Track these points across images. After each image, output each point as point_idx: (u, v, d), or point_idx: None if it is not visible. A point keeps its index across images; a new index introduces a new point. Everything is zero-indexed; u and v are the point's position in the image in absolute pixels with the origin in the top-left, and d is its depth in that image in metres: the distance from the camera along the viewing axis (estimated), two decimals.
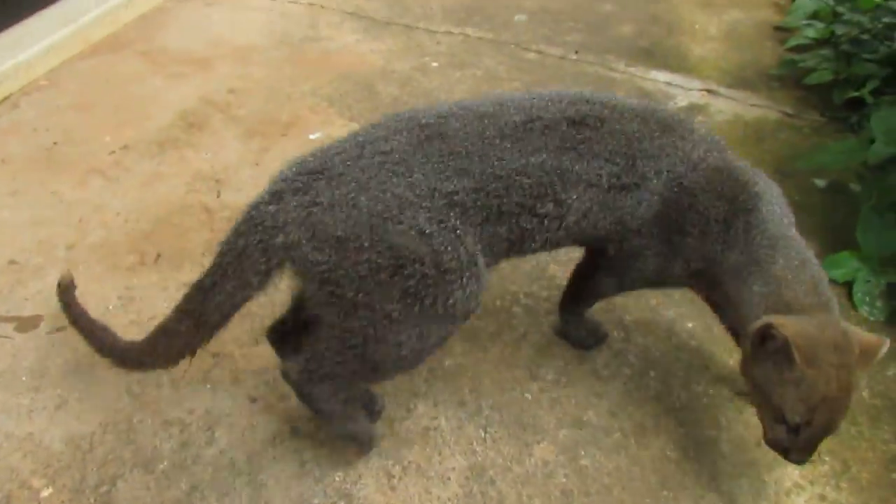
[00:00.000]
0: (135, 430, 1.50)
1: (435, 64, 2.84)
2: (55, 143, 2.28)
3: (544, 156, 1.38)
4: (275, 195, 1.31)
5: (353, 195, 1.28)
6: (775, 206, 1.47)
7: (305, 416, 1.50)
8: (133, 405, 1.54)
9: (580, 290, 1.70)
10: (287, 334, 1.55)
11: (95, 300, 1.73)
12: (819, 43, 2.99)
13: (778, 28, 3.33)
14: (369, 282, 1.29)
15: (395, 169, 1.31)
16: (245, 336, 1.66)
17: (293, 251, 1.28)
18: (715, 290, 1.51)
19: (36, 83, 2.56)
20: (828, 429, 1.33)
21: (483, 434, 1.54)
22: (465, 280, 1.33)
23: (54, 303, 1.56)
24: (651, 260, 1.50)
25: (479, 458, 1.50)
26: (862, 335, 1.36)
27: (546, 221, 1.42)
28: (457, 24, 3.18)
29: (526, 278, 1.86)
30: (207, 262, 1.63)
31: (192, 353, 1.39)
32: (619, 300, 1.85)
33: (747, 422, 1.61)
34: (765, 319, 1.30)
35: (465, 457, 1.50)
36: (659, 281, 1.59)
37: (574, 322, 1.76)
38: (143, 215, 2.00)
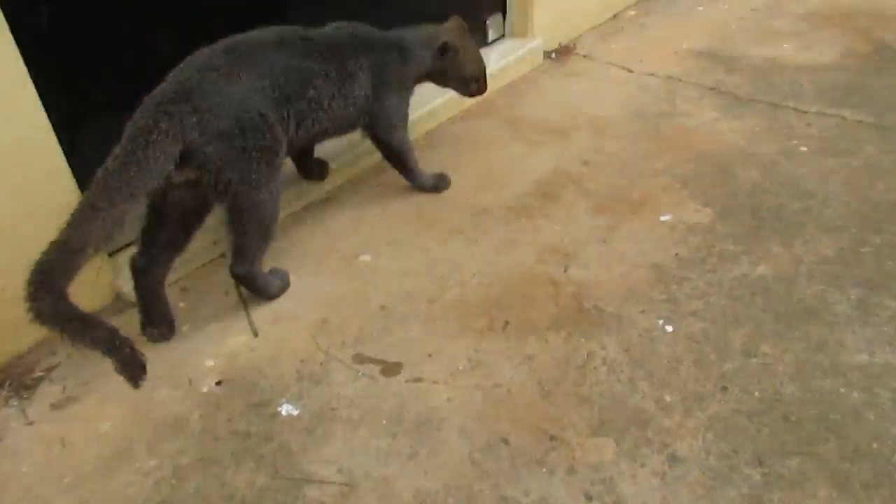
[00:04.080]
0: (475, 500, 1.41)
1: (804, 148, 2.50)
2: (425, 201, 2.38)
3: (299, 60, 1.92)
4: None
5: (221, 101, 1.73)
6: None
7: None
8: (474, 472, 1.43)
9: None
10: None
11: (447, 358, 1.76)
12: None
13: None
14: (242, 159, 1.73)
15: (232, 79, 1.76)
16: (583, 424, 1.51)
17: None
18: None
19: (416, 143, 2.61)
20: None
21: None
22: (282, 143, 1.86)
23: (414, 354, 1.77)
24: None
25: None
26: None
27: (313, 103, 1.94)
28: (831, 105, 2.79)
29: None
30: (551, 337, 1.70)
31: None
32: None
33: None
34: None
35: None
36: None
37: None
38: (495, 279, 1.96)
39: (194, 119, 1.65)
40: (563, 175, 2.41)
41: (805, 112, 2.69)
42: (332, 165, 2.41)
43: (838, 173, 2.31)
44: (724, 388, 1.58)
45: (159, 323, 1.86)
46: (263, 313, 1.89)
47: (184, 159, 1.64)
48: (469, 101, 2.88)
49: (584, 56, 3.26)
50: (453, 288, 1.94)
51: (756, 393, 1.57)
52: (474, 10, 2.99)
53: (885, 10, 3.59)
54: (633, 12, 3.79)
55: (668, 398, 1.56)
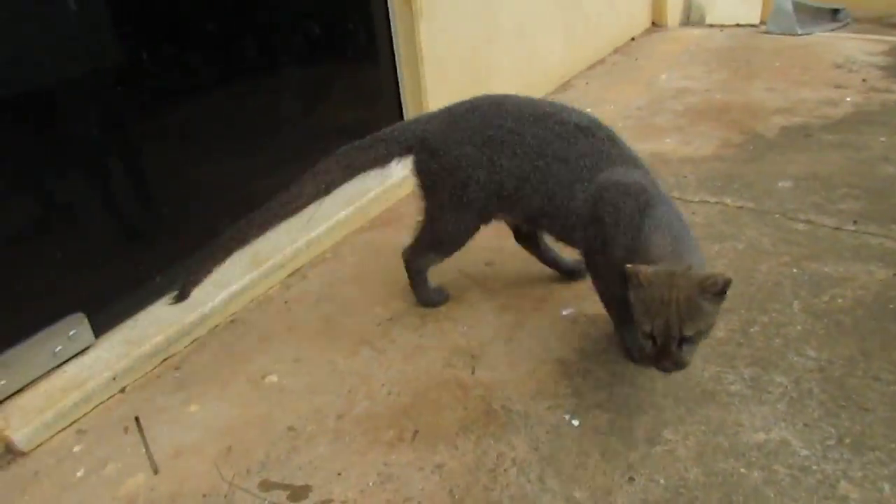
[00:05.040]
0: None
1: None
2: (333, 313, 2.39)
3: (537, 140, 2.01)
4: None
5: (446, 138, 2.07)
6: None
7: None
8: None
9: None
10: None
11: (356, 475, 1.69)
12: None
13: None
14: (435, 190, 2.11)
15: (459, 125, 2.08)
16: None
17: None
18: None
19: (322, 256, 2.73)
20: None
21: None
22: (477, 199, 2.05)
23: (323, 475, 1.69)
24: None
25: None
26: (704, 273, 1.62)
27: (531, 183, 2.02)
28: (713, 193, 2.96)
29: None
30: (461, 442, 1.69)
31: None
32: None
33: None
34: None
35: None
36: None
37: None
38: (404, 388, 1.94)
39: (428, 153, 2.08)
40: (467, 277, 2.47)
41: (690, 201, 2.86)
42: (236, 287, 2.37)
43: (725, 257, 2.44)
44: (631, 479, 1.59)
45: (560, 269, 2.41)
46: (165, 447, 1.81)
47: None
48: (374, 211, 2.98)
49: None
50: (362, 401, 1.92)
51: (662, 480, 1.58)
52: None
53: (754, 104, 3.96)
54: None
55: (577, 494, 1.56)
